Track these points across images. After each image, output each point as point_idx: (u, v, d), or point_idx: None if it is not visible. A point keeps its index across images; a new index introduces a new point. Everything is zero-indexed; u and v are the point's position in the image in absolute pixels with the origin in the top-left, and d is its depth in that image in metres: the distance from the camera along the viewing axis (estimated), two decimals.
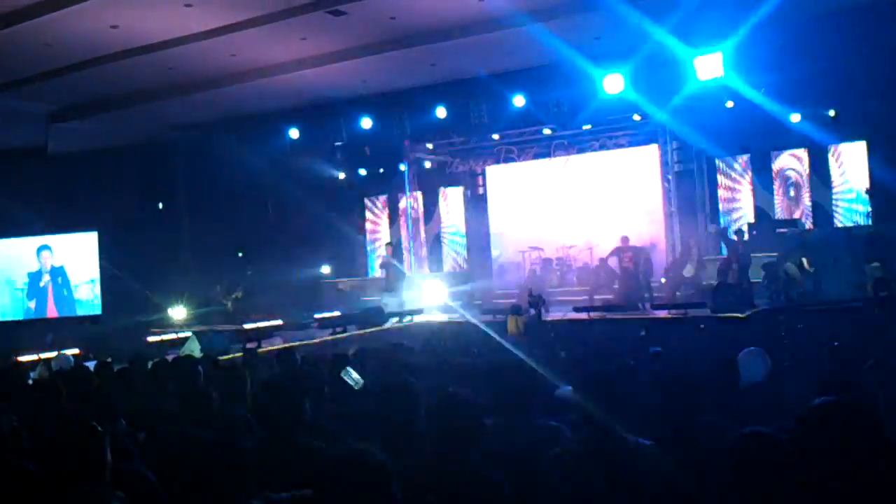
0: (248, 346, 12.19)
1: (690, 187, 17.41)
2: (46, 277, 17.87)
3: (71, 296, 17.91)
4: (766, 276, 14.30)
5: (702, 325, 11.90)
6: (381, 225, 21.95)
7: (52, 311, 17.84)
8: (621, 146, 17.62)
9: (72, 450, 3.10)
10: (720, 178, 17.64)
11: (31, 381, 7.20)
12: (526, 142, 18.49)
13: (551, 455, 3.22)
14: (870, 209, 15.50)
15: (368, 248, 21.82)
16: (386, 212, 21.80)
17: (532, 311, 13.26)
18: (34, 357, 11.97)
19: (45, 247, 17.80)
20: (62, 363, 10.23)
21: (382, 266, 18.17)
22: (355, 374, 6.20)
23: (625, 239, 16.13)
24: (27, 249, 17.89)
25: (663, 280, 16.38)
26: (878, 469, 2.62)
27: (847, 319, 11.60)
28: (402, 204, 20.39)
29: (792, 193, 17.05)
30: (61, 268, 17.90)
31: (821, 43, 13.22)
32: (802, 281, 13.90)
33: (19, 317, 17.72)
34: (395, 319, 15.64)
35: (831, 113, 15.16)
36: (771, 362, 5.13)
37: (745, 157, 17.44)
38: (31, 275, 17.86)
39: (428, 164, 19.99)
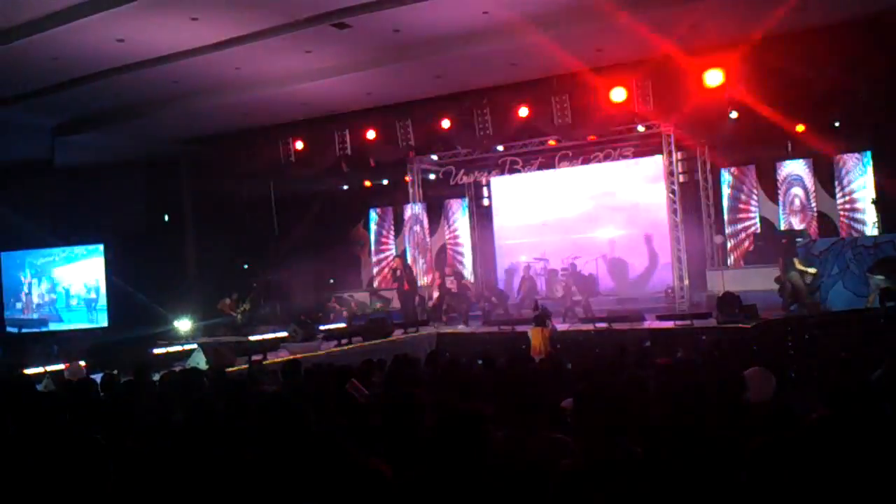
0: (254, 358, 12.18)
1: (695, 198, 17.41)
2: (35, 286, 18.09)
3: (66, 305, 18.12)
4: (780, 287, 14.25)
5: (703, 337, 11.87)
6: (386, 236, 21.98)
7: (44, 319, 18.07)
8: (626, 157, 17.62)
9: (75, 463, 3.10)
10: (725, 189, 17.64)
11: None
12: (530, 153, 18.50)
13: (554, 469, 3.21)
14: (876, 219, 15.50)
15: (373, 260, 21.85)
16: (391, 223, 21.84)
17: (548, 325, 13.17)
18: (41, 369, 11.99)
19: (36, 257, 18.06)
20: (76, 374, 10.26)
21: (395, 279, 18.22)
22: (360, 387, 6.20)
23: None
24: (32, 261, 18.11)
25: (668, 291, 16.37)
26: (882, 477, 2.61)
27: (854, 330, 11.57)
28: (407, 215, 20.41)
29: (797, 204, 17.04)
30: (54, 278, 18.11)
31: (826, 54, 13.23)
32: (808, 291, 13.86)
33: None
34: (400, 331, 15.64)
35: (836, 123, 15.17)
36: (775, 380, 5.10)
37: (750, 168, 17.44)
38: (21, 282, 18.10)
39: (433, 176, 20.02)
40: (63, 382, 9.42)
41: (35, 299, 18.24)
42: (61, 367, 12.11)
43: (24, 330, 17.94)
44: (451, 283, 19.16)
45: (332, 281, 20.27)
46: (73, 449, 3.14)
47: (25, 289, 18.27)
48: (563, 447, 3.65)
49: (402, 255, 18.94)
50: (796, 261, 13.92)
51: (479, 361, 9.09)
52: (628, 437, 3.42)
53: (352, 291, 20.30)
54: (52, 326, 17.92)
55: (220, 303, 17.94)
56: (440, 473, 3.12)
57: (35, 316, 18.18)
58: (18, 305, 18.31)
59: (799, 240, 15.16)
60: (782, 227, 16.99)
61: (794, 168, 16.96)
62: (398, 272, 18.18)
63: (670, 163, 16.27)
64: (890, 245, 13.58)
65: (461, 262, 20.61)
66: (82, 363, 11.61)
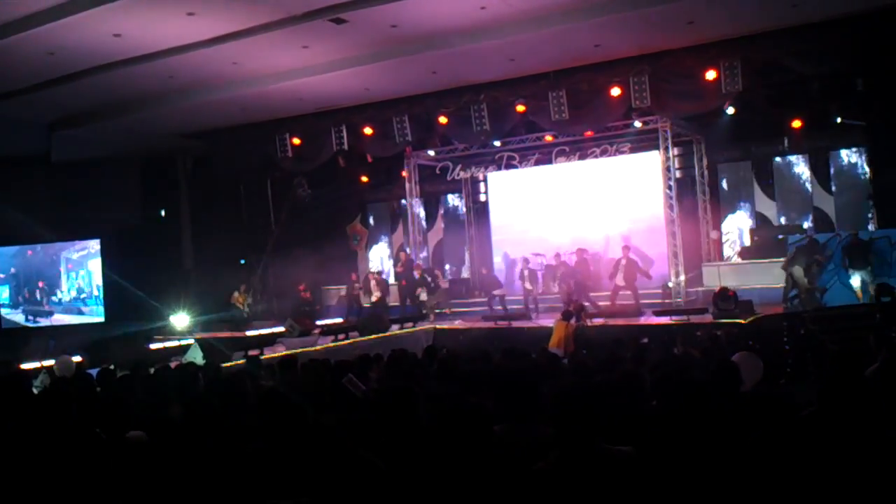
0: (251, 353, 12.19)
1: (692, 194, 17.43)
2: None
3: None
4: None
5: (698, 332, 11.87)
6: (383, 231, 22.01)
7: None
8: (623, 153, 17.62)
9: (74, 458, 3.11)
10: (722, 185, 17.66)
11: (34, 390, 7.20)
12: (527, 148, 18.51)
13: (533, 470, 3.20)
14: (872, 215, 15.53)
15: (370, 255, 21.88)
16: (388, 218, 21.86)
17: (574, 320, 13.05)
18: (37, 364, 11.99)
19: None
20: (64, 368, 10.24)
21: (401, 275, 18.18)
22: (357, 382, 6.22)
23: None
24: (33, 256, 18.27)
25: (671, 285, 16.34)
26: (877, 472, 2.62)
27: (849, 325, 11.61)
28: (405, 210, 20.42)
29: (793, 199, 17.08)
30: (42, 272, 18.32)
31: (823, 50, 13.25)
32: (808, 285, 13.87)
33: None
34: (397, 326, 15.66)
35: (838, 120, 15.17)
36: (763, 365, 5.14)
37: (746, 164, 17.46)
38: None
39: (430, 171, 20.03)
40: (60, 378, 9.41)
41: (73, 293, 18.49)
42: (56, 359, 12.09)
43: (37, 319, 18.17)
44: (443, 282, 19.09)
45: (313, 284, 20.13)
46: (73, 443, 3.15)
47: (64, 282, 18.46)
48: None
49: (402, 250, 18.95)
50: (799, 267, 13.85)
51: (477, 356, 9.09)
52: (617, 435, 3.43)
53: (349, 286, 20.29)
54: (78, 318, 18.16)
55: (232, 296, 18.07)
56: (443, 466, 3.13)
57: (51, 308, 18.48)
58: (55, 298, 18.50)
59: (798, 236, 15.17)
60: (778, 223, 17.02)
61: (791, 163, 16.99)
62: (403, 268, 18.17)
63: (667, 158, 16.27)
64: (885, 240, 13.62)
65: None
66: (73, 358, 11.60)
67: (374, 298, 18.07)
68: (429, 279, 17.57)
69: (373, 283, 18.45)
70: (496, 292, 17.28)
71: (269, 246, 20.16)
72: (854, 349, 5.89)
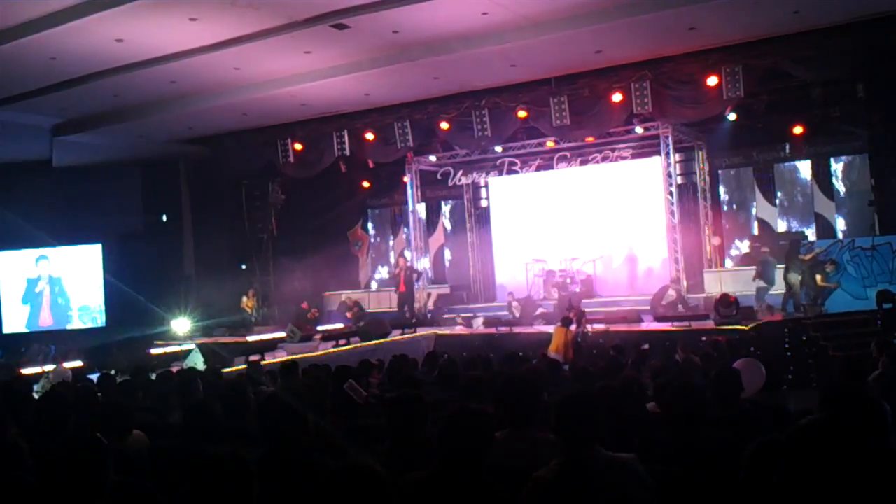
0: (252, 358, 12.18)
1: (693, 200, 17.42)
2: (43, 285, 18.28)
3: (67, 306, 18.29)
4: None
5: (702, 338, 11.86)
6: (384, 237, 22.00)
7: (46, 320, 18.22)
8: (624, 158, 17.62)
9: (75, 463, 3.10)
10: (723, 191, 17.65)
11: (35, 394, 7.20)
12: (529, 154, 18.51)
13: (534, 477, 3.19)
14: (873, 221, 15.51)
15: (370, 260, 21.87)
16: (389, 224, 21.86)
17: (574, 327, 12.99)
18: (38, 370, 11.99)
19: (43, 256, 18.22)
20: (59, 378, 10.24)
21: (399, 276, 18.13)
22: (358, 387, 6.22)
23: None
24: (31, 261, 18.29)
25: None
26: (879, 482, 2.61)
27: (850, 331, 11.60)
28: (406, 216, 20.43)
29: (797, 203, 17.07)
30: (59, 279, 18.27)
31: (824, 56, 13.25)
32: (803, 292, 13.87)
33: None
34: (398, 331, 15.65)
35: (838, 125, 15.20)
36: (766, 372, 5.13)
37: (748, 170, 17.46)
38: (29, 281, 18.29)
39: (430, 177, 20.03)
40: (59, 383, 9.41)
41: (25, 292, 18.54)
42: (52, 367, 12.09)
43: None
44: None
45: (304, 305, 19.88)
46: (73, 449, 3.15)
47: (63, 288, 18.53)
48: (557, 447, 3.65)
49: (402, 255, 18.94)
50: (818, 276, 13.82)
51: (478, 362, 9.08)
52: (619, 441, 3.43)
53: (349, 292, 20.29)
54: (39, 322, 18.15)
55: (241, 301, 18.12)
56: (446, 473, 3.12)
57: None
58: (60, 301, 18.57)
59: (786, 242, 15.16)
60: (780, 229, 17.01)
61: (793, 169, 16.99)
62: (402, 273, 18.14)
63: (668, 164, 16.27)
64: (888, 247, 13.60)
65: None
66: (73, 364, 11.60)
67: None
68: None
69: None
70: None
71: (265, 251, 20.16)
72: (856, 356, 5.88)
